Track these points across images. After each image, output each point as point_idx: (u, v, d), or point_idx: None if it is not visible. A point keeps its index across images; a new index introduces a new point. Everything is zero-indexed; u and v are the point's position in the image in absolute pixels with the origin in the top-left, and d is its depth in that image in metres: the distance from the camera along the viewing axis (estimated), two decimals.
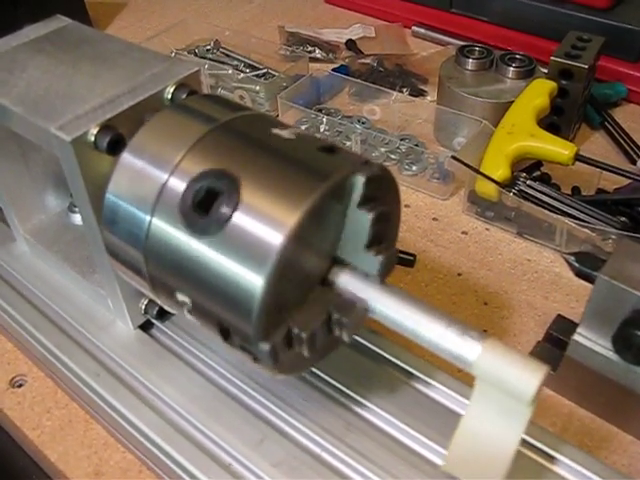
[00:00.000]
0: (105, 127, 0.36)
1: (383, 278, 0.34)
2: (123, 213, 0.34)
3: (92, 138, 0.36)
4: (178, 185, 0.32)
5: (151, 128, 0.35)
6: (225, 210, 0.30)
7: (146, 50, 0.43)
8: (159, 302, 0.36)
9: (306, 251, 0.32)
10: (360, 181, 0.31)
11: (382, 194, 0.34)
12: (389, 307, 0.31)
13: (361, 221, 0.32)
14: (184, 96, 0.39)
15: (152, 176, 0.33)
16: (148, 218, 0.32)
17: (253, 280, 0.29)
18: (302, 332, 0.31)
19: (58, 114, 0.37)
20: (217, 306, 0.31)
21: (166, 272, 0.33)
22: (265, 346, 0.30)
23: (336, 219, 0.33)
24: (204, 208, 0.31)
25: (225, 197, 0.30)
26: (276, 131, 0.33)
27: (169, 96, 0.39)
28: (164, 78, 0.40)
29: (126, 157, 0.34)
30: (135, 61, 0.42)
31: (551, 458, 0.37)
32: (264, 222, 0.29)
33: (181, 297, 0.33)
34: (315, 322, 0.32)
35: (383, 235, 0.35)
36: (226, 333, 0.32)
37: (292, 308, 0.32)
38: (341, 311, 0.32)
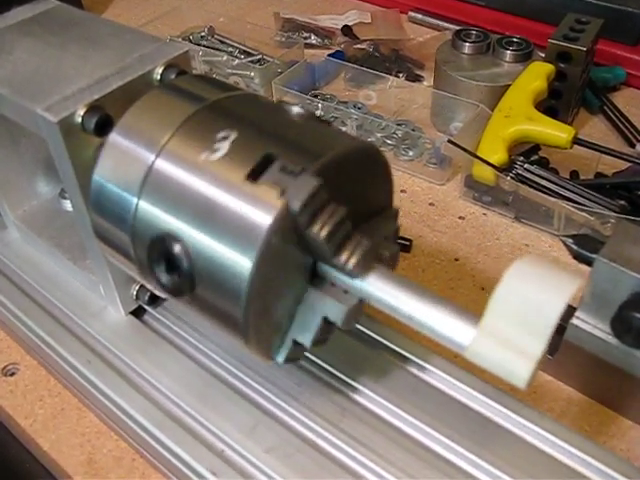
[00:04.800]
0: (93, 108, 0.35)
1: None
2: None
3: (79, 119, 0.35)
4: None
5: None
6: None
7: (135, 31, 0.43)
8: (148, 286, 0.35)
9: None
10: None
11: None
12: (382, 289, 0.30)
13: None
14: (173, 76, 0.38)
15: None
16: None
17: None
18: None
19: (45, 95, 0.36)
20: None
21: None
22: None
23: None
24: None
25: None
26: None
27: (158, 77, 0.38)
28: (153, 59, 0.39)
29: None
30: (124, 42, 0.41)
31: (550, 443, 0.36)
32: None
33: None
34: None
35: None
36: None
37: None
38: None
